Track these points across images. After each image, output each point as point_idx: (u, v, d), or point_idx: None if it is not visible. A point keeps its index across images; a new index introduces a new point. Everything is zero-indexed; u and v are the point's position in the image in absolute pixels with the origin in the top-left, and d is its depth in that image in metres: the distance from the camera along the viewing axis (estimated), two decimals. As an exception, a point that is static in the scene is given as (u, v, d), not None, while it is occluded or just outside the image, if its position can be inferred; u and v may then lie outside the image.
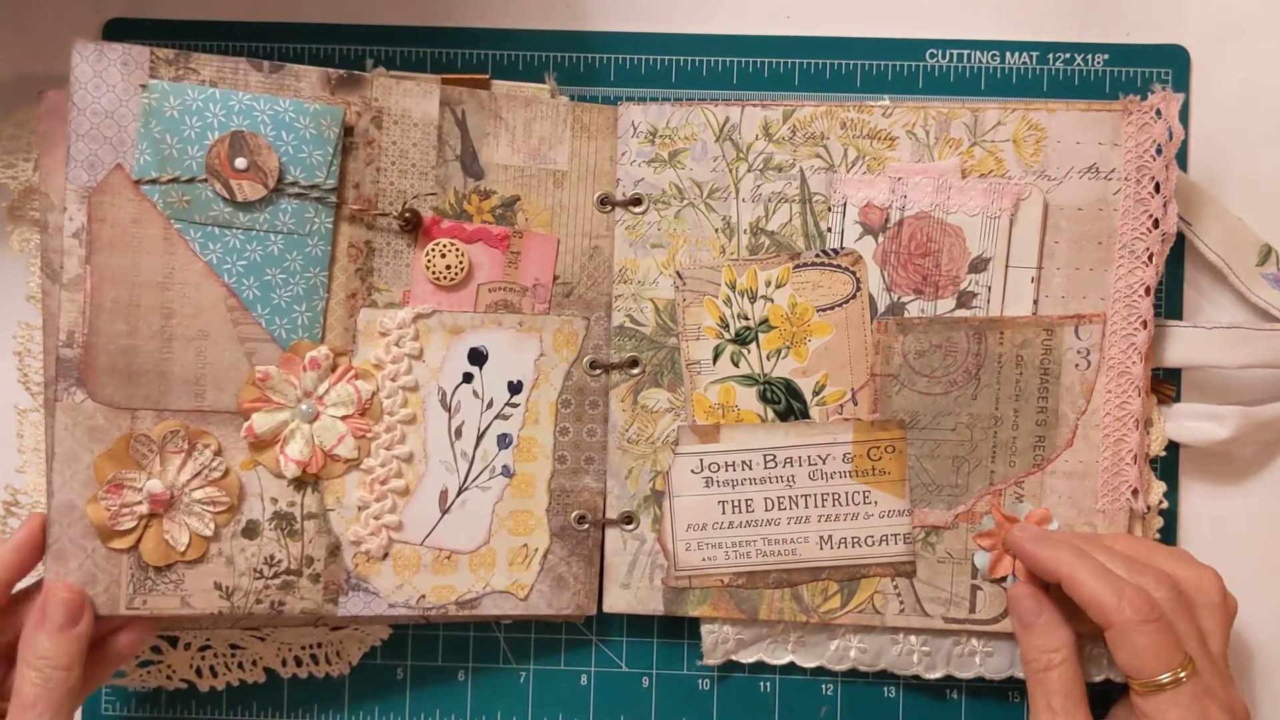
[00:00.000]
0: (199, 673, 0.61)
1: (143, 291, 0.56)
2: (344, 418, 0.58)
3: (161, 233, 0.56)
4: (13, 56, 0.63)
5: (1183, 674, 0.51)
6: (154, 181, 0.56)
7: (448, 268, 0.59)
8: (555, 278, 0.60)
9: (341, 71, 0.58)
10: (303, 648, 0.61)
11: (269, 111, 0.56)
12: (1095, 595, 0.52)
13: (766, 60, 0.65)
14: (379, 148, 0.58)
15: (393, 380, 0.59)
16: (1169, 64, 0.64)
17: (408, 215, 0.58)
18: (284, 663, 0.61)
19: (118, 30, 0.63)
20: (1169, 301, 0.64)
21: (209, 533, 0.57)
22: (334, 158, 0.57)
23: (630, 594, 0.60)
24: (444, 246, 0.59)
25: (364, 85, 0.58)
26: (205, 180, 0.56)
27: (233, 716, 0.62)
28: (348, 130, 0.58)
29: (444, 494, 0.59)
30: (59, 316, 0.55)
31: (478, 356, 0.60)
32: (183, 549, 0.56)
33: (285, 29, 0.64)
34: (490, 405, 0.60)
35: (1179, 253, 0.64)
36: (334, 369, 0.58)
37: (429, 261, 0.59)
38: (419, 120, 0.59)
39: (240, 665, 0.61)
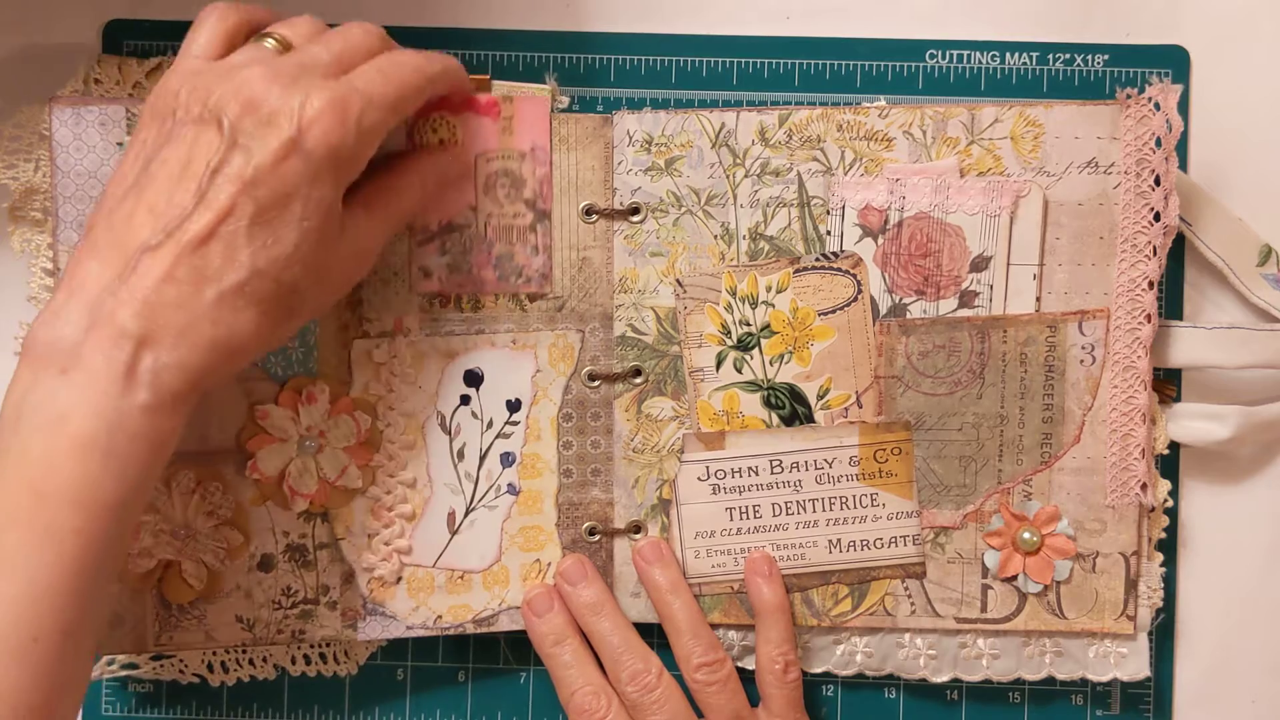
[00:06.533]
0: (210, 668, 0.61)
1: (139, 341, 0.57)
2: (345, 449, 0.59)
3: (151, 282, 0.56)
4: (13, 57, 0.63)
5: None
6: (139, 233, 0.56)
7: (440, 141, 0.58)
8: (546, 294, 0.60)
9: (315, 105, 0.57)
10: (312, 646, 0.62)
11: (245, 153, 0.56)
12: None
13: (766, 61, 0.63)
14: (360, 179, 0.58)
15: (391, 409, 0.59)
16: (1169, 64, 0.62)
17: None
18: (293, 660, 0.62)
19: (117, 31, 0.62)
20: (1169, 302, 0.62)
21: (224, 569, 0.58)
22: (314, 194, 0.57)
23: (641, 603, 0.61)
24: (435, 121, 0.57)
25: (339, 117, 0.57)
26: (188, 228, 0.56)
27: (233, 717, 0.63)
28: (326, 164, 0.57)
29: (451, 516, 0.60)
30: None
31: (473, 378, 0.60)
32: (201, 586, 0.58)
33: (283, 30, 0.63)
34: (490, 425, 0.60)
35: (1179, 253, 0.62)
36: (332, 402, 0.58)
37: (423, 139, 0.58)
38: (397, 149, 0.58)
39: (251, 662, 0.62)
